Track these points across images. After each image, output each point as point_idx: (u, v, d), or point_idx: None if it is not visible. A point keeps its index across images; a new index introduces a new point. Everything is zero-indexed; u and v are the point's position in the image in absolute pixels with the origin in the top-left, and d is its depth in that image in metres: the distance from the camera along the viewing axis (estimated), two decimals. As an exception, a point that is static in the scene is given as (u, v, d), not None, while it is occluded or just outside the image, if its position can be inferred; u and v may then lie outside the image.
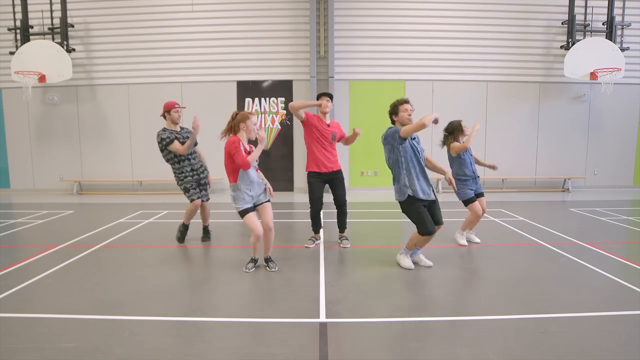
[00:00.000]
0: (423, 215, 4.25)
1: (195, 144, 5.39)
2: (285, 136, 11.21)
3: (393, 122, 4.41)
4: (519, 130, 11.41)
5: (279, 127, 11.20)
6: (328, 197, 5.47)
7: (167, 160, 5.38)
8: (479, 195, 5.40)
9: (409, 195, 4.25)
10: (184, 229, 5.64)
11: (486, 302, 3.65)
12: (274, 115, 11.22)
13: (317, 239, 5.55)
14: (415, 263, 4.53)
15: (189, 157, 5.35)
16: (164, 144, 5.20)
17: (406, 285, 4.10)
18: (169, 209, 8.34)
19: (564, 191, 11.25)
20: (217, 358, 2.72)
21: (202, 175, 5.49)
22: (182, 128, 5.46)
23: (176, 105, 5.33)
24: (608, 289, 3.89)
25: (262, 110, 11.22)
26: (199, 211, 5.56)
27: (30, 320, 3.27)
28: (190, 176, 5.37)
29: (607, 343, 2.85)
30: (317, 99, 5.26)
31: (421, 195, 4.23)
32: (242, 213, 4.27)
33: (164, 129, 5.30)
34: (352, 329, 3.14)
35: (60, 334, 3.03)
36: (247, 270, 4.40)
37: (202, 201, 5.49)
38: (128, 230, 6.48)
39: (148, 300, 3.71)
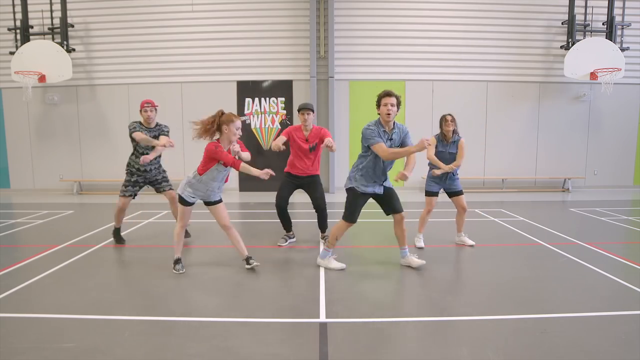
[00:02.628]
0: (356, 206, 4.29)
1: (165, 133, 5.38)
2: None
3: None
4: (519, 130, 11.41)
5: (279, 127, 11.20)
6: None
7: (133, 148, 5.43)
8: (454, 193, 5.30)
9: (352, 187, 4.29)
10: (115, 231, 5.68)
11: (486, 302, 3.65)
12: (274, 115, 11.22)
13: (289, 237, 5.56)
14: (407, 265, 4.49)
15: (145, 153, 5.28)
16: (130, 130, 5.24)
17: (406, 285, 4.10)
18: (169, 209, 8.30)
19: (564, 191, 11.25)
20: (217, 358, 2.72)
21: (148, 179, 5.45)
22: (157, 125, 5.38)
23: (146, 105, 5.23)
24: (608, 289, 3.89)
25: (262, 110, 11.22)
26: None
27: (30, 320, 3.27)
28: (134, 174, 5.37)
29: (607, 343, 2.85)
30: (298, 111, 5.26)
31: (367, 190, 4.25)
32: (184, 203, 4.30)
33: (136, 121, 5.32)
34: (352, 329, 3.14)
35: (60, 334, 3.02)
36: (176, 272, 4.35)
37: (165, 190, 5.49)
38: (128, 230, 6.48)
39: (148, 300, 3.71)
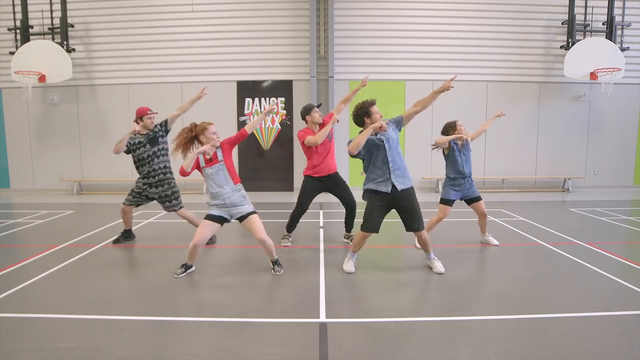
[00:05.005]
0: (373, 213, 4.19)
1: (161, 135, 5.35)
2: (285, 136, 11.20)
3: (360, 124, 4.25)
4: (519, 130, 11.41)
5: (279, 127, 11.20)
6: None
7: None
8: (472, 200, 5.20)
9: (368, 189, 4.25)
10: (123, 232, 5.67)
11: (486, 302, 3.65)
12: (274, 116, 11.22)
13: (290, 237, 5.57)
14: (430, 268, 4.45)
15: (147, 162, 5.28)
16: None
17: (406, 285, 4.10)
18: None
19: (564, 191, 11.25)
20: (217, 358, 2.72)
21: (158, 189, 5.36)
22: (156, 126, 5.39)
23: (149, 112, 5.32)
24: (608, 289, 3.89)
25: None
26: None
27: (30, 320, 3.27)
28: (141, 183, 5.36)
29: (607, 343, 2.85)
30: (308, 113, 5.24)
31: (374, 187, 4.18)
32: (205, 216, 4.28)
33: (135, 134, 5.31)
34: (352, 329, 3.14)
35: (60, 334, 3.03)
36: (175, 276, 4.26)
37: (175, 210, 5.39)
38: (128, 230, 6.47)
39: (148, 300, 3.71)
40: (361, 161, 4.33)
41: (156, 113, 5.40)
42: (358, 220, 5.55)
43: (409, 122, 4.46)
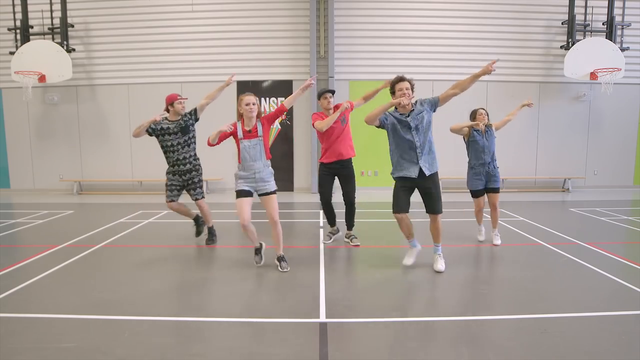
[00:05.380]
0: (397, 195, 4.23)
1: (189, 124, 5.28)
2: (285, 136, 11.20)
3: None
4: (519, 130, 11.39)
5: (279, 127, 11.20)
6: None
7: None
8: (490, 190, 5.31)
9: (397, 177, 4.27)
10: (207, 231, 5.64)
11: (486, 302, 3.65)
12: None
13: (334, 233, 5.55)
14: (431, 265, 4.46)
15: (176, 149, 5.24)
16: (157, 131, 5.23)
17: (406, 285, 4.10)
18: (169, 209, 8.32)
19: (564, 191, 11.25)
20: (217, 358, 2.72)
21: (185, 177, 5.35)
22: (185, 114, 5.34)
23: (179, 97, 5.30)
24: (608, 289, 3.89)
25: (262, 110, 11.19)
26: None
27: (30, 320, 3.27)
28: (170, 173, 5.35)
29: (607, 343, 2.85)
30: (319, 98, 5.25)
31: (403, 174, 4.19)
32: (236, 194, 4.32)
33: (164, 119, 5.28)
34: (352, 329, 3.14)
35: (60, 334, 3.02)
36: (256, 264, 4.46)
37: (197, 199, 5.38)
38: (128, 230, 6.48)
39: (148, 300, 3.71)
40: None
41: (186, 98, 5.38)
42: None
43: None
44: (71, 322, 3.22)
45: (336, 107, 5.12)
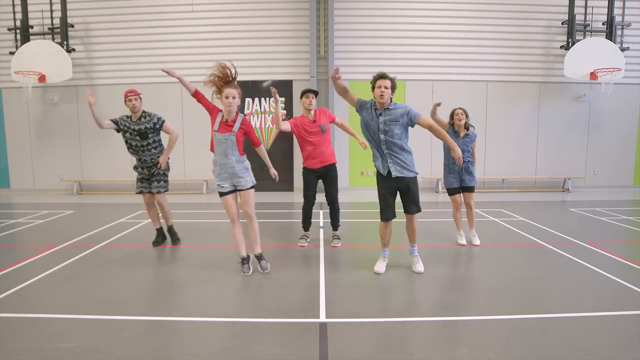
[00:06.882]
0: (382, 200, 4.24)
1: (153, 129, 5.17)
2: (285, 136, 11.19)
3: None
4: (519, 130, 11.41)
5: (279, 127, 11.19)
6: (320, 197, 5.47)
7: None
8: (465, 189, 5.35)
9: (376, 172, 4.28)
10: (157, 234, 5.60)
11: (486, 302, 3.65)
12: (274, 115, 11.21)
13: (308, 237, 5.56)
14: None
15: (138, 147, 5.19)
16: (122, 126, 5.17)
17: (406, 285, 4.10)
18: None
19: (564, 191, 11.25)
20: (217, 358, 2.72)
21: (152, 170, 5.30)
22: (144, 114, 5.20)
23: (129, 94, 5.07)
24: (608, 289, 3.89)
25: (262, 110, 11.22)
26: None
27: (30, 320, 3.27)
28: (138, 167, 5.32)
29: (607, 343, 2.85)
30: (301, 97, 5.25)
31: (380, 169, 4.21)
32: (219, 194, 4.30)
33: (125, 116, 5.23)
34: (352, 329, 3.14)
35: (60, 334, 3.02)
36: (244, 274, 4.31)
37: (151, 193, 5.30)
38: (128, 230, 6.48)
39: (148, 300, 3.71)
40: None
41: (139, 93, 5.19)
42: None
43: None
44: (71, 322, 3.22)
45: (318, 111, 5.23)
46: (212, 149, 4.33)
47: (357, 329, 3.14)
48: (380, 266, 4.37)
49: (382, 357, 2.72)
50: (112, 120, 5.15)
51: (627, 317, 3.25)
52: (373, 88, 4.19)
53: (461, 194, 5.42)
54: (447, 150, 5.24)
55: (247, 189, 4.30)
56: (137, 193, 5.42)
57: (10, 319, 3.28)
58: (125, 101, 5.14)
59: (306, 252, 5.20)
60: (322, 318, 3.27)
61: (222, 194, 4.30)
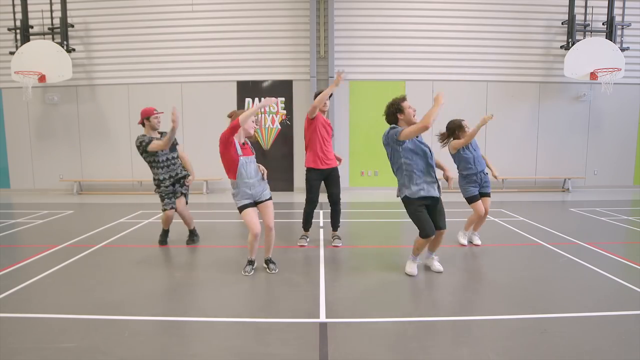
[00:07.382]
0: (420, 217, 4.09)
1: (176, 144, 5.30)
2: (285, 136, 11.21)
3: (394, 121, 4.19)
4: (519, 130, 11.41)
5: (279, 127, 11.20)
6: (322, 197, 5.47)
7: (148, 164, 5.29)
8: (483, 195, 5.30)
9: (405, 195, 4.15)
10: (163, 233, 5.58)
11: (486, 302, 3.65)
12: (274, 115, 11.22)
13: (308, 237, 5.56)
14: (427, 267, 4.47)
15: (168, 163, 5.22)
16: (143, 146, 5.07)
17: (406, 285, 4.10)
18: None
19: (564, 191, 11.25)
20: (217, 358, 2.72)
21: (179, 183, 5.37)
22: (161, 133, 5.29)
23: (155, 111, 5.21)
24: (608, 289, 3.89)
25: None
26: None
27: (31, 320, 3.27)
28: (165, 185, 5.26)
29: (607, 343, 2.85)
30: (315, 98, 5.28)
31: (422, 194, 4.07)
32: (241, 209, 4.26)
33: (143, 135, 5.19)
34: (352, 329, 3.14)
35: (60, 334, 3.02)
36: (245, 274, 4.33)
37: (175, 207, 5.35)
38: (128, 230, 6.48)
39: (148, 300, 3.71)
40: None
41: (162, 112, 5.30)
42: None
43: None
44: (71, 322, 3.22)
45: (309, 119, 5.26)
46: (232, 177, 4.23)
47: (357, 329, 3.14)
48: (413, 267, 4.33)
49: (382, 357, 2.72)
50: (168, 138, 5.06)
51: (627, 317, 3.25)
52: (402, 111, 4.15)
53: (480, 201, 5.29)
54: (463, 162, 5.20)
55: (267, 199, 4.36)
56: (168, 209, 5.30)
57: (10, 319, 3.28)
58: (148, 119, 5.17)
59: (306, 252, 5.20)
60: (322, 318, 3.27)
61: (244, 207, 4.24)
